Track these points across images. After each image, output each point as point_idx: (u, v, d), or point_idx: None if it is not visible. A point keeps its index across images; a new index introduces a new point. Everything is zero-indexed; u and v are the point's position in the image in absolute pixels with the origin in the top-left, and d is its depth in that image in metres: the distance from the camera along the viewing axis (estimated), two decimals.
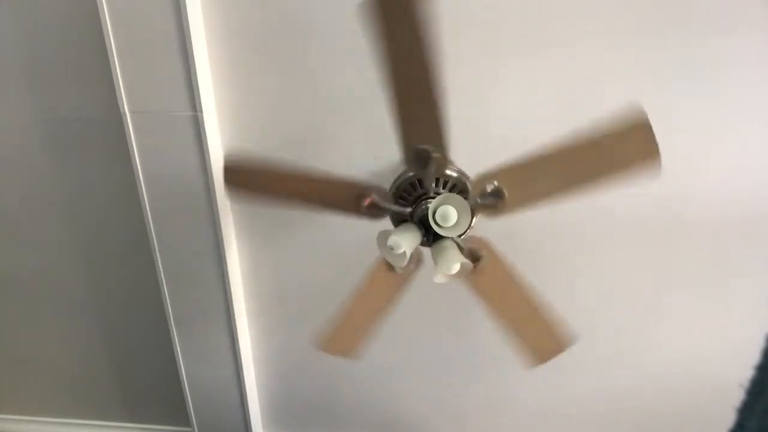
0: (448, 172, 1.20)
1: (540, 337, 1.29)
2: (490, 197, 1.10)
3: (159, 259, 1.69)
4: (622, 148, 0.96)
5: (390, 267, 1.23)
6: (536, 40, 1.29)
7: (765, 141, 1.38)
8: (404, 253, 1.06)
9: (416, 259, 1.24)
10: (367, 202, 1.16)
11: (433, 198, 1.16)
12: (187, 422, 2.20)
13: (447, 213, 1.05)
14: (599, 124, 0.96)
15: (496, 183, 1.09)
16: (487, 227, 1.23)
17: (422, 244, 1.19)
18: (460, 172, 1.23)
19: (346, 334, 1.39)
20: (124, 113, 1.43)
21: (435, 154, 1.07)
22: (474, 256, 1.15)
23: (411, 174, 1.20)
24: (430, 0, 0.86)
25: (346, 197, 1.18)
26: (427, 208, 1.11)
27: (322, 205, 1.22)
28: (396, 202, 1.23)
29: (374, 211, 1.19)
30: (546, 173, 1.04)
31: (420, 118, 1.02)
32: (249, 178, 1.22)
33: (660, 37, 1.27)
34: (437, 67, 0.93)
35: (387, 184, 1.25)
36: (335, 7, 1.31)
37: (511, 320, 1.27)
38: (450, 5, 1.27)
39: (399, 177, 1.24)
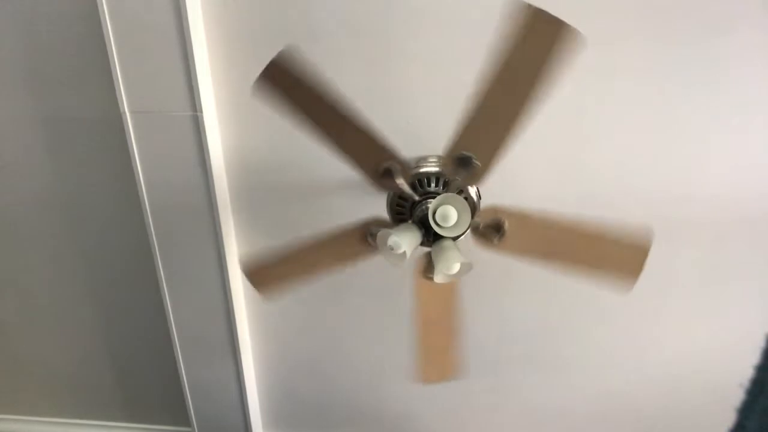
0: (416, 172, 1.22)
1: (616, 253, 1.17)
2: (465, 167, 1.09)
3: (159, 258, 1.69)
4: (534, 41, 0.92)
5: (429, 279, 1.23)
6: None
7: (765, 141, 1.38)
8: (404, 253, 1.06)
9: None
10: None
11: (424, 200, 1.17)
12: (187, 422, 2.20)
13: (447, 213, 1.05)
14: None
15: (461, 152, 1.07)
16: None
17: (422, 244, 1.19)
18: (428, 164, 1.25)
19: (438, 361, 1.40)
20: (124, 113, 1.43)
21: (394, 167, 1.10)
22: (496, 227, 1.14)
23: (391, 193, 1.22)
24: (299, 55, 0.95)
25: (355, 245, 1.23)
26: (427, 209, 1.11)
27: (338, 264, 1.28)
28: (397, 221, 1.25)
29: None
30: (493, 114, 1.02)
31: (360, 148, 1.08)
32: (270, 274, 1.31)
33: (660, 38, 1.27)
34: (340, 99, 1.01)
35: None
36: (335, 7, 1.31)
37: (575, 259, 1.18)
38: (451, 4, 1.27)
39: (387, 200, 1.27)
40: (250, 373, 2.01)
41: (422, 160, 1.28)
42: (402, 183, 1.14)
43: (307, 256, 1.26)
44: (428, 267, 1.21)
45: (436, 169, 1.23)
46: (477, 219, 1.15)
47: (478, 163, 1.07)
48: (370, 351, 1.93)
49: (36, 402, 2.29)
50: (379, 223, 1.20)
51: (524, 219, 1.17)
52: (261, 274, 1.31)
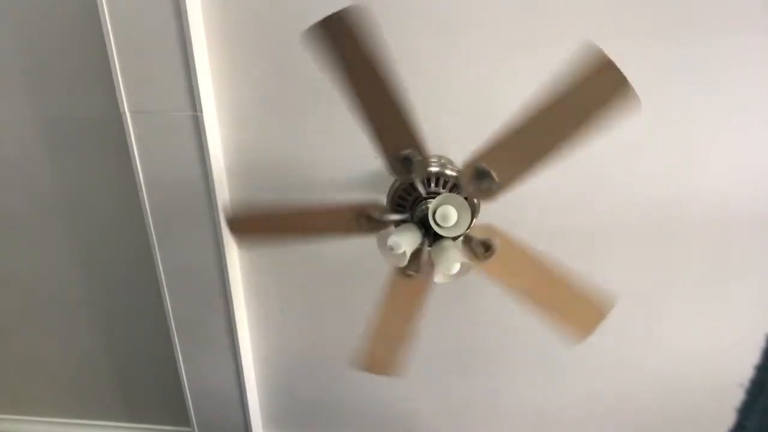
0: (432, 169, 1.21)
1: (577, 308, 1.23)
2: (482, 181, 1.09)
3: (159, 258, 1.69)
4: (592, 89, 0.93)
5: (406, 276, 1.24)
6: (535, 41, 1.29)
7: (765, 141, 1.38)
8: (404, 253, 1.06)
9: (430, 263, 1.24)
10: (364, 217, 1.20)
11: (428, 198, 1.17)
12: (187, 422, 2.20)
13: (447, 213, 1.05)
14: (561, 76, 0.95)
15: (483, 166, 1.07)
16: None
17: (422, 244, 1.19)
18: (446, 165, 1.24)
19: (382, 353, 1.41)
20: (124, 113, 1.43)
21: (415, 157, 1.09)
22: (486, 245, 1.14)
23: (400, 182, 1.21)
24: (367, 17, 0.90)
25: (345, 220, 1.22)
26: (426, 209, 1.11)
27: (324, 234, 1.27)
28: (395, 211, 1.24)
29: (375, 226, 1.20)
30: (527, 141, 1.02)
31: (390, 128, 1.06)
32: (252, 226, 1.29)
33: (660, 38, 1.27)
34: (393, 75, 0.97)
35: (389, 181, 1.26)
36: (335, 7, 1.31)
37: (541, 299, 1.23)
38: (450, 3, 1.27)
39: (391, 187, 1.26)
40: (250, 373, 2.01)
41: (438, 159, 1.28)
42: (416, 176, 1.14)
43: (294, 219, 1.25)
44: (411, 262, 1.20)
45: (452, 172, 1.23)
46: (471, 232, 1.16)
47: (497, 181, 1.06)
48: None
49: (36, 402, 2.29)
50: (375, 207, 1.20)
51: (513, 248, 1.19)
52: (242, 224, 1.29)
